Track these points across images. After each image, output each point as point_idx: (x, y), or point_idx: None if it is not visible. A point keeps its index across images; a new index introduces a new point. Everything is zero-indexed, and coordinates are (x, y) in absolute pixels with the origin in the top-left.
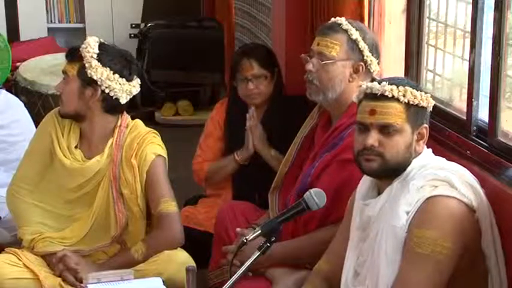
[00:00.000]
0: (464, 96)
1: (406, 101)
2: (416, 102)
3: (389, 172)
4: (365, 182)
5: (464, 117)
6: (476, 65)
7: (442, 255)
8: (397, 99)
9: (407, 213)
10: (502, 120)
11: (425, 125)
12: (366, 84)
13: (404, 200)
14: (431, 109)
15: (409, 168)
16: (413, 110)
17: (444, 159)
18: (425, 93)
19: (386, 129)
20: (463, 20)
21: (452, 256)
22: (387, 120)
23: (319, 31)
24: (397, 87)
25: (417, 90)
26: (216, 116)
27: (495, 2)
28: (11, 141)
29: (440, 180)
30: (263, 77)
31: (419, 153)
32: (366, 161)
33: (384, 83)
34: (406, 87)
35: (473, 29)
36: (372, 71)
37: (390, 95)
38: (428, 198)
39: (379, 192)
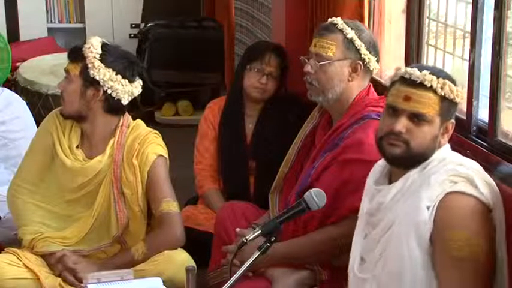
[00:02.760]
0: (464, 96)
1: (443, 94)
2: (452, 96)
3: (411, 161)
4: (379, 165)
5: (464, 117)
6: (476, 65)
7: (480, 254)
8: (435, 91)
9: (429, 208)
10: (502, 120)
11: (453, 120)
12: (405, 68)
13: (425, 194)
14: None
15: (429, 160)
16: (447, 104)
17: (459, 154)
18: (462, 88)
19: (417, 118)
20: (463, 20)
21: (488, 252)
22: (421, 109)
23: (316, 32)
24: (437, 78)
25: (454, 85)
26: (209, 116)
27: (495, 1)
28: (11, 137)
29: (461, 177)
30: (276, 77)
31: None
32: (390, 145)
33: (425, 71)
34: (446, 80)
35: (473, 29)
36: (371, 69)
37: (429, 85)
38: (448, 194)
39: (391, 180)
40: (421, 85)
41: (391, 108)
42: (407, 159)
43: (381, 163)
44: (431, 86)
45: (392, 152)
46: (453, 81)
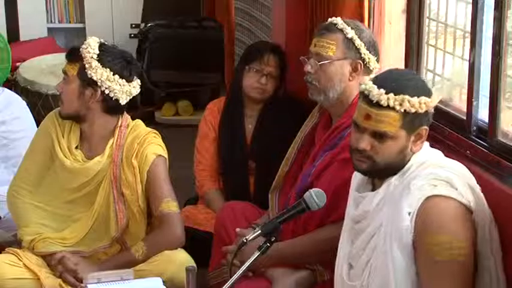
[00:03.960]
0: (464, 96)
1: (403, 110)
2: (413, 110)
3: (380, 173)
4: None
5: (464, 117)
6: (476, 65)
7: (461, 257)
8: (393, 108)
9: (410, 213)
10: (502, 120)
11: (425, 127)
12: (365, 84)
13: (406, 201)
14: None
15: (407, 165)
16: (410, 117)
17: (441, 153)
18: (427, 94)
19: (379, 136)
20: (463, 20)
21: (470, 254)
22: (381, 128)
23: (316, 32)
24: (395, 95)
25: (417, 96)
26: (209, 117)
27: (495, 1)
28: (12, 138)
29: (440, 180)
30: (275, 77)
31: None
32: (357, 161)
33: (381, 90)
34: (404, 96)
35: (473, 29)
36: (371, 68)
37: (385, 104)
38: (427, 198)
39: (373, 186)
40: (378, 104)
41: (355, 125)
42: (376, 172)
43: None
44: (389, 105)
45: (359, 168)
46: (417, 91)
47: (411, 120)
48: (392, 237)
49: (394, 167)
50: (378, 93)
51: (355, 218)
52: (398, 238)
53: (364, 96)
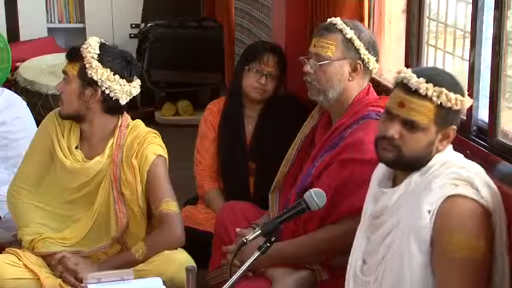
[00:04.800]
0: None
1: (439, 103)
2: (449, 105)
3: (404, 165)
4: (382, 167)
5: (464, 117)
6: (476, 65)
7: (479, 255)
8: (430, 99)
9: (429, 212)
10: (502, 120)
11: (454, 127)
12: (404, 72)
13: (426, 199)
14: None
15: (430, 163)
16: (444, 112)
17: (462, 156)
18: (462, 94)
19: (410, 124)
20: (463, 20)
21: (487, 254)
22: (413, 117)
23: (315, 32)
24: (434, 86)
25: (454, 92)
26: (209, 117)
27: (495, 1)
28: (12, 138)
29: (462, 180)
30: (275, 77)
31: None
32: (382, 150)
33: (421, 78)
34: (442, 89)
35: (473, 29)
36: (370, 69)
37: (424, 93)
38: (448, 197)
39: (394, 182)
40: (416, 92)
41: (387, 112)
42: (400, 164)
43: (383, 166)
44: (426, 95)
45: (384, 157)
46: (453, 88)
47: (444, 116)
48: (410, 234)
49: (418, 162)
50: (417, 81)
51: (374, 213)
52: (416, 235)
53: (403, 84)
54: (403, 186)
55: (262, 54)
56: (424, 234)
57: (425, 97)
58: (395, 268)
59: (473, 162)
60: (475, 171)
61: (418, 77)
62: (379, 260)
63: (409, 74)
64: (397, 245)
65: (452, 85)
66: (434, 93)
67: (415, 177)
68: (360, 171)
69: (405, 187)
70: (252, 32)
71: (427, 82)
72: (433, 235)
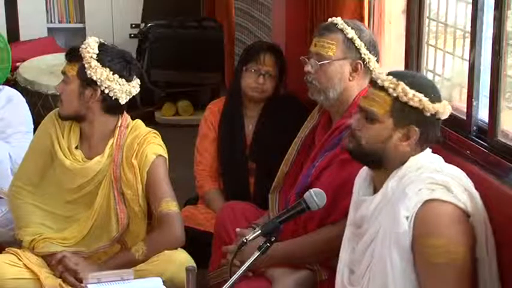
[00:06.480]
0: (464, 96)
1: (395, 95)
2: (404, 99)
3: (362, 156)
4: (362, 173)
5: (464, 117)
6: (476, 64)
7: (459, 261)
8: (386, 90)
9: (407, 218)
10: (502, 120)
11: (416, 128)
12: (378, 71)
13: (403, 205)
14: (442, 117)
15: (404, 168)
16: (400, 106)
17: (441, 158)
18: (437, 100)
19: (369, 116)
20: (463, 20)
21: (469, 259)
22: (371, 107)
23: (316, 32)
24: (393, 79)
25: (419, 92)
26: (209, 117)
27: (495, 1)
28: (8, 132)
29: (437, 184)
30: (273, 77)
31: (406, 153)
32: (346, 140)
33: (388, 76)
34: (400, 82)
35: (473, 29)
36: (371, 69)
37: (381, 85)
38: (425, 202)
39: (375, 188)
40: (376, 84)
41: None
42: (359, 155)
43: (363, 173)
44: (383, 86)
45: (346, 146)
46: (426, 90)
47: (400, 110)
48: (391, 241)
49: (375, 156)
50: (380, 74)
51: (356, 222)
52: (396, 242)
53: (372, 80)
54: (379, 194)
55: (260, 54)
56: (403, 241)
57: (383, 88)
58: (380, 277)
59: (452, 166)
60: (452, 175)
61: (388, 75)
62: (364, 269)
63: (379, 71)
64: (379, 253)
65: (417, 84)
66: (391, 85)
67: (390, 184)
68: (359, 171)
69: (382, 195)
70: (252, 32)
71: (387, 75)
72: (413, 241)
